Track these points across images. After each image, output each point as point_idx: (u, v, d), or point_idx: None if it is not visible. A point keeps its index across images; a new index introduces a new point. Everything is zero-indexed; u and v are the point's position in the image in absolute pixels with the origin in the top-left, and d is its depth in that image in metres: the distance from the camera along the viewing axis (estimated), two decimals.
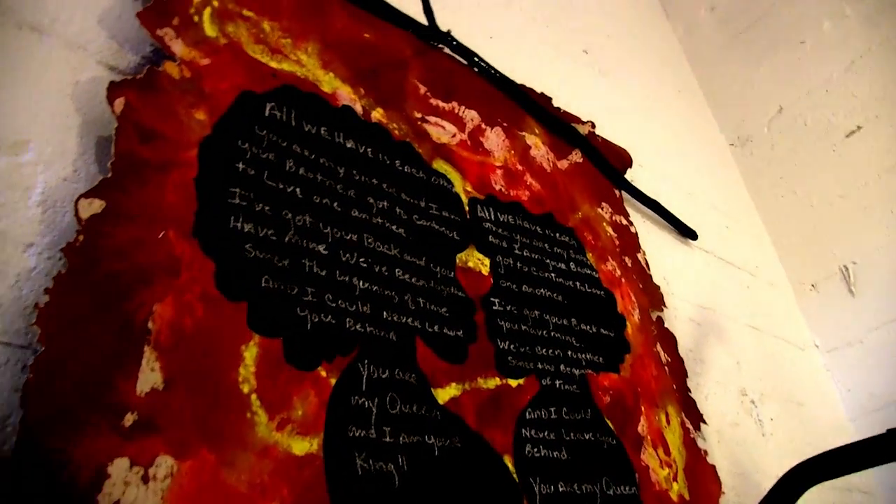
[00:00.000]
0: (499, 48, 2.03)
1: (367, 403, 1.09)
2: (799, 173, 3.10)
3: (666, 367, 1.88)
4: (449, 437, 1.19)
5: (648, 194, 2.33)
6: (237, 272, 1.02)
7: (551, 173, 1.90)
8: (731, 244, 2.80)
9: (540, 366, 1.47)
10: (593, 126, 2.16)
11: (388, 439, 1.09)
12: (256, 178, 1.13)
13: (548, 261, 1.68)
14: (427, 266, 1.36)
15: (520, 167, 1.80)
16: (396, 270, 1.29)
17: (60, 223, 0.95)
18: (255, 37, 1.28)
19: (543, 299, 1.60)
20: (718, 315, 2.37)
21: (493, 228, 1.58)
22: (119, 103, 1.01)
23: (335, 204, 1.24)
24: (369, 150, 1.38)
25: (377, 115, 1.46)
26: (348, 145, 1.34)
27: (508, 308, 1.48)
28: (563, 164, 1.98)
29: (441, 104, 1.66)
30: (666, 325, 1.99)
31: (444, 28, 1.78)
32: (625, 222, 2.12)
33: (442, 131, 1.61)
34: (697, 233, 2.49)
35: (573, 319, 1.64)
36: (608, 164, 2.16)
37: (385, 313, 1.22)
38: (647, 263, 2.09)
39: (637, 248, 2.10)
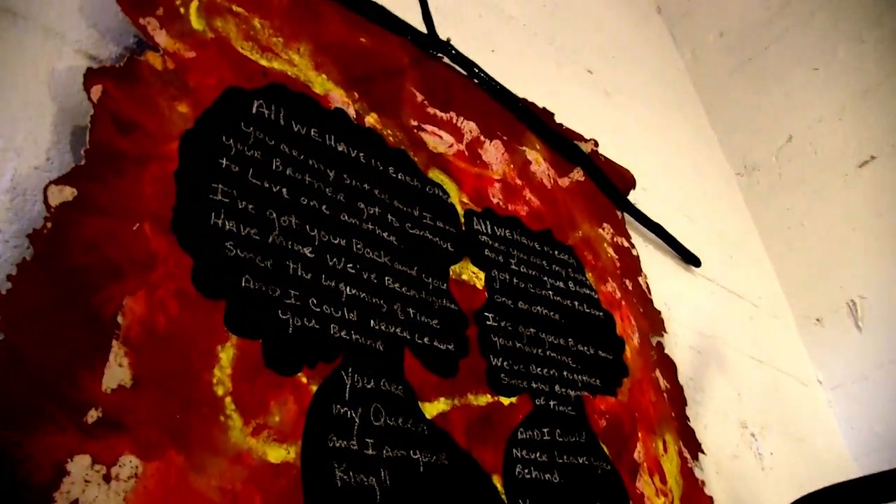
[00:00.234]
0: (500, 62, 2.00)
1: (349, 413, 1.04)
2: (807, 203, 3.04)
3: (665, 394, 1.82)
4: (436, 453, 1.13)
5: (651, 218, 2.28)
6: (216, 270, 0.98)
7: (551, 190, 1.86)
8: (735, 273, 2.75)
9: (534, 385, 1.41)
10: (596, 144, 2.12)
11: (370, 452, 1.03)
12: (240, 175, 1.09)
13: (545, 278, 1.63)
14: (419, 276, 1.31)
15: (519, 182, 1.75)
16: (386, 279, 1.24)
17: (30, 212, 0.90)
18: (244, 33, 1.25)
19: (540, 317, 1.54)
20: (720, 344, 2.31)
21: (490, 242, 1.53)
22: (96, 90, 0.97)
23: (323, 207, 1.20)
24: (362, 154, 1.34)
25: (371, 120, 1.42)
26: (339, 148, 1.30)
27: (503, 324, 1.43)
28: (563, 182, 1.94)
29: (439, 113, 1.62)
30: (666, 352, 1.94)
31: (443, 38, 1.75)
32: (626, 244, 2.07)
33: (439, 141, 1.57)
34: (701, 260, 2.44)
35: (570, 339, 1.59)
36: (611, 183, 2.12)
37: (373, 322, 1.16)
38: (648, 287, 2.04)
39: (638, 271, 2.05)
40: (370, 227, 1.27)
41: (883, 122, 2.89)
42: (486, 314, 1.40)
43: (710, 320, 2.34)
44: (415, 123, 1.53)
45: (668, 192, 2.65)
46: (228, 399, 0.91)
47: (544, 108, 2.03)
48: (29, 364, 0.75)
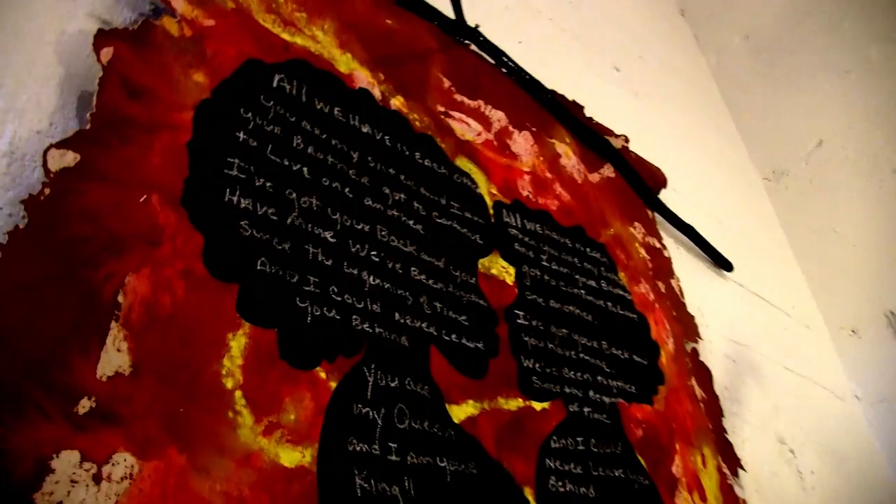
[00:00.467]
0: (526, 54, 1.90)
1: (371, 414, 0.94)
2: (839, 210, 2.91)
3: (701, 404, 1.71)
4: (464, 461, 1.03)
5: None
6: (229, 250, 0.88)
7: (582, 185, 1.76)
8: (765, 280, 2.63)
9: (567, 390, 1.31)
10: (627, 140, 2.03)
11: (393, 457, 0.93)
12: (258, 150, 1.00)
13: (577, 276, 1.53)
14: (446, 268, 1.21)
15: (549, 175, 1.66)
16: (412, 269, 1.14)
17: (28, 178, 0.81)
18: (266, 5, 1.16)
19: (572, 317, 1.44)
20: (754, 353, 2.19)
21: (520, 236, 1.43)
22: (106, 52, 0.88)
23: (346, 189, 1.10)
24: (387, 137, 1.25)
25: (397, 102, 1.33)
26: (364, 130, 1.21)
27: (534, 323, 1.33)
28: (593, 178, 1.84)
29: (466, 101, 1.53)
30: (701, 359, 1.83)
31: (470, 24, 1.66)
32: (658, 245, 1.97)
33: (466, 128, 1.48)
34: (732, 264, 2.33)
35: (604, 342, 1.48)
36: (642, 181, 2.01)
37: (397, 314, 1.07)
38: (681, 291, 1.94)
39: (671, 273, 1.95)
40: (395, 213, 1.17)
41: None
42: (517, 312, 1.30)
43: (743, 328, 2.22)
44: (442, 109, 1.44)
45: (695, 194, 2.54)
46: (238, 393, 0.81)
47: (574, 101, 1.93)
48: (14, 343, 0.66)
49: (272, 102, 1.06)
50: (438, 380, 1.07)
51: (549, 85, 1.85)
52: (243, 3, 1.13)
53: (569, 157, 1.78)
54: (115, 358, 0.72)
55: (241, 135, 0.98)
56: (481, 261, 1.30)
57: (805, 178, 3.09)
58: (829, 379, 2.57)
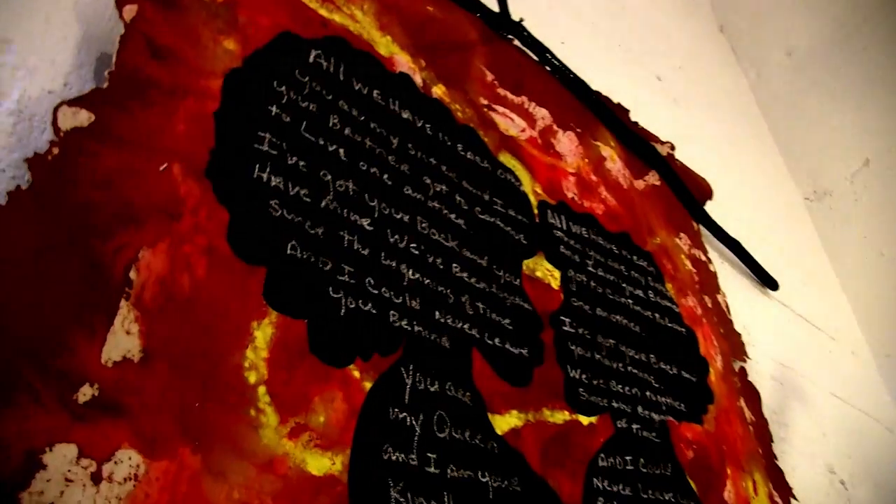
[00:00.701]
0: (569, 54, 1.81)
1: (409, 420, 0.84)
2: (887, 232, 2.78)
3: (751, 427, 1.59)
4: (507, 476, 0.93)
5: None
6: (257, 230, 0.79)
7: (627, 190, 1.66)
8: (809, 302, 2.50)
9: (615, 404, 1.20)
10: (673, 148, 1.92)
11: (432, 469, 0.83)
12: (292, 127, 0.91)
13: (624, 285, 1.43)
14: (489, 267, 1.11)
15: (594, 178, 1.56)
16: (453, 266, 1.05)
17: (36, 140, 0.72)
18: None
19: (619, 327, 1.33)
20: (800, 377, 2.07)
21: (565, 239, 1.33)
22: (129, 10, 0.80)
23: (385, 176, 1.01)
24: (428, 126, 1.16)
25: (438, 91, 1.24)
26: (404, 115, 1.12)
27: (581, 331, 1.22)
28: (639, 184, 1.74)
29: (510, 96, 1.43)
30: (749, 379, 1.71)
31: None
32: (704, 258, 1.86)
33: (510, 123, 1.38)
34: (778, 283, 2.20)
35: (652, 356, 1.37)
36: (688, 192, 1.91)
37: (437, 313, 0.97)
38: (727, 307, 1.82)
39: (717, 288, 1.83)
40: (436, 205, 1.08)
41: None
42: (563, 318, 1.20)
43: (788, 350, 2.10)
44: (485, 102, 1.35)
45: (735, 209, 2.42)
46: (262, 389, 0.71)
47: (619, 104, 1.84)
48: (6, 318, 0.57)
49: (308, 78, 0.97)
50: (481, 386, 0.97)
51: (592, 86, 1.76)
52: None
53: (614, 161, 1.67)
54: (123, 341, 0.62)
55: (274, 109, 0.90)
56: (526, 262, 1.21)
57: (850, 198, 2.96)
58: (876, 409, 2.43)
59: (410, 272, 0.96)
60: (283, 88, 0.92)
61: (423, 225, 1.03)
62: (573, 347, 1.18)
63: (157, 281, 0.67)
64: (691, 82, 2.81)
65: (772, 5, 3.50)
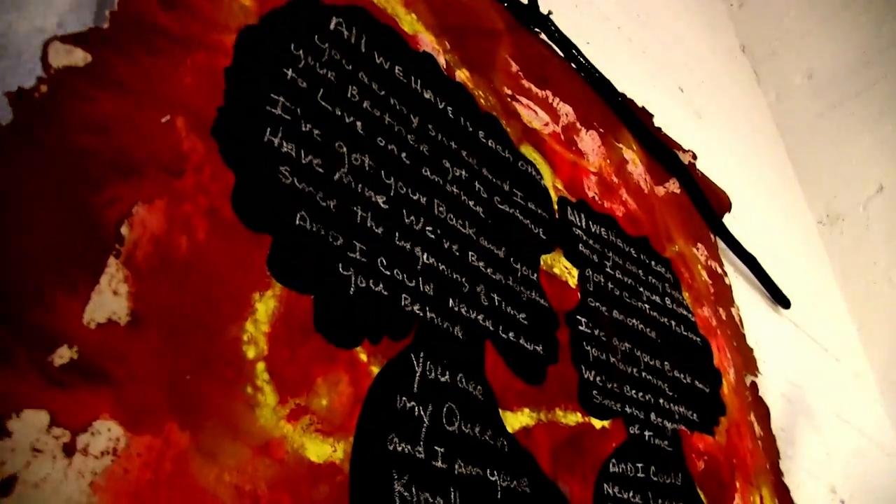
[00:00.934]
0: (594, 56, 1.75)
1: (417, 410, 0.78)
2: None
3: (760, 442, 1.53)
4: (516, 477, 0.87)
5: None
6: (264, 196, 0.73)
7: (647, 195, 1.60)
8: (818, 323, 2.44)
9: (628, 409, 1.14)
10: (694, 157, 1.87)
11: (439, 464, 0.77)
12: (308, 93, 0.85)
13: (641, 289, 1.36)
14: (506, 259, 1.05)
15: (616, 179, 1.50)
16: (470, 254, 0.99)
17: (22, 78, 0.65)
18: None
19: (635, 332, 1.27)
20: (808, 396, 2.01)
21: (584, 237, 1.27)
22: None
23: (403, 154, 0.95)
24: (450, 108, 1.10)
25: (462, 75, 1.18)
26: (426, 95, 1.06)
27: (596, 332, 1.16)
28: (659, 191, 1.68)
29: (534, 89, 1.38)
30: (760, 394, 1.65)
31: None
32: (720, 271, 1.80)
33: (534, 116, 1.32)
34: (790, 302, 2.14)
35: (666, 363, 1.31)
36: (707, 202, 1.85)
37: (451, 301, 0.91)
38: (741, 321, 1.76)
39: (731, 301, 1.78)
40: (455, 190, 1.02)
41: None
42: (579, 318, 1.14)
43: (797, 368, 2.05)
44: (509, 92, 1.29)
45: (750, 226, 2.36)
46: (261, 365, 0.65)
47: (643, 108, 1.78)
48: None
49: (327, 45, 0.91)
50: (493, 381, 0.91)
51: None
52: None
53: (636, 165, 1.62)
54: (109, 301, 0.56)
55: (290, 72, 0.84)
56: (543, 257, 1.15)
57: (862, 223, 2.92)
58: (876, 433, 2.39)
59: (425, 256, 0.90)
60: (301, 53, 0.87)
61: (441, 209, 0.97)
62: (588, 348, 1.12)
63: (151, 240, 0.61)
64: (712, 98, 2.76)
65: (794, 29, 3.47)
